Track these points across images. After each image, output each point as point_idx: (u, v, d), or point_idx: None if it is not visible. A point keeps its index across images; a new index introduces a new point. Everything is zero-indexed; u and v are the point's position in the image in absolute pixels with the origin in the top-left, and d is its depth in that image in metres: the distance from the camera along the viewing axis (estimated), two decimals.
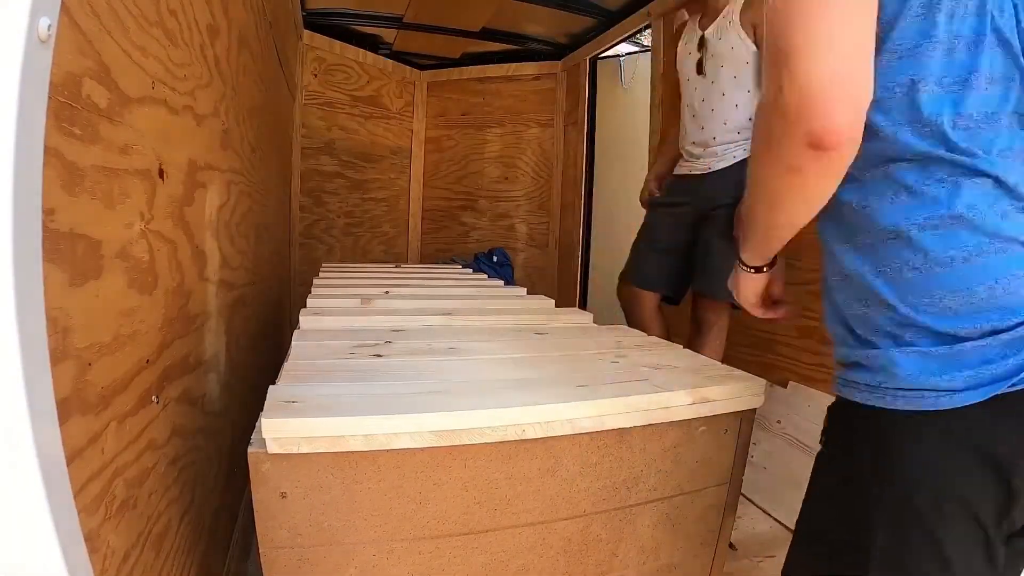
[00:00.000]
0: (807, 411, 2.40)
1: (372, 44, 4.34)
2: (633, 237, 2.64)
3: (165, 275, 1.08)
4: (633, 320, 2.49)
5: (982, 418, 0.77)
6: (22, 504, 0.53)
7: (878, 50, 0.75)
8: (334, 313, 1.72)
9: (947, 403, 0.78)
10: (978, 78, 0.76)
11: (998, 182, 0.76)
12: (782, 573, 0.99)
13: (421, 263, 4.54)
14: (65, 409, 0.63)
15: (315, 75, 4.04)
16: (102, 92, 0.77)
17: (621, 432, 1.11)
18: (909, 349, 0.81)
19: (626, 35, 3.87)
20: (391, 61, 4.47)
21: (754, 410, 1.28)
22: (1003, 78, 0.76)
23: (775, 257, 1.03)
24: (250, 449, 0.90)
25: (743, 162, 2.21)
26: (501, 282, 2.69)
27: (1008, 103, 0.76)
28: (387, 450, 0.94)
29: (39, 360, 0.55)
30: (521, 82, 4.52)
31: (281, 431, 0.89)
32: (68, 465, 0.60)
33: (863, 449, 0.86)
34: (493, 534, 1.06)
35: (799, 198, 0.82)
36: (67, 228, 0.68)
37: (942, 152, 0.77)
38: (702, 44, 2.37)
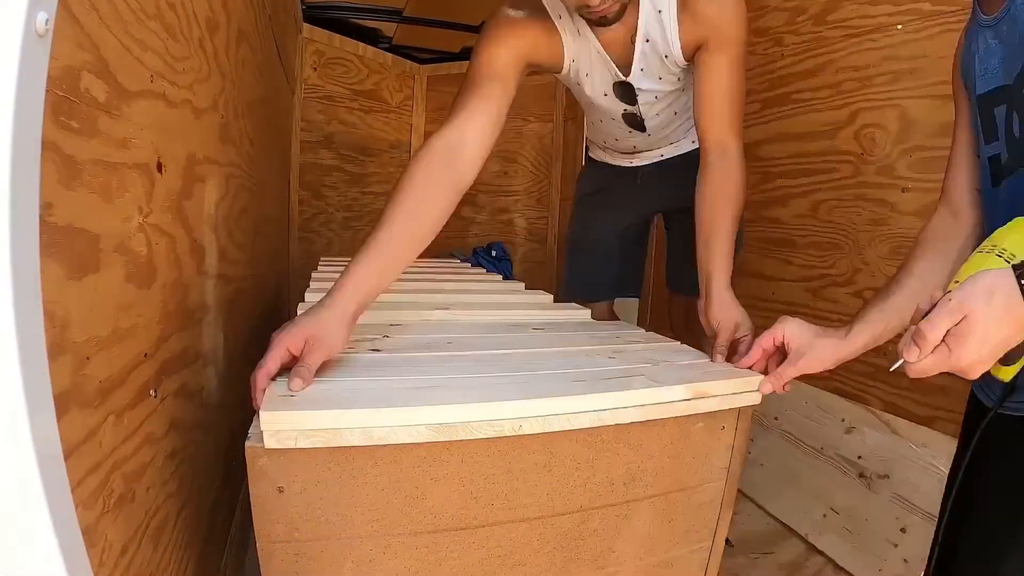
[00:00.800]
0: (804, 408, 2.41)
1: (372, 38, 4.34)
2: None
3: (164, 269, 1.08)
4: None
5: None
6: (20, 499, 0.53)
7: None
8: None
9: None
10: None
11: None
12: None
13: (419, 257, 4.54)
14: (63, 403, 0.63)
15: (314, 69, 4.04)
16: (100, 86, 0.77)
17: (619, 427, 1.11)
18: None
19: None
20: (391, 55, 4.47)
21: (752, 406, 1.28)
22: None
23: None
24: (247, 443, 0.90)
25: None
26: (500, 277, 2.69)
27: None
28: (385, 445, 0.94)
29: (37, 354, 0.55)
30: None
31: (278, 425, 0.88)
32: (66, 460, 0.60)
33: None
34: (490, 529, 1.07)
35: None
36: (65, 222, 0.68)
37: None
38: (627, 93, 1.81)
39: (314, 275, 2.21)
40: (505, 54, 1.51)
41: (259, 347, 2.19)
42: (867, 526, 2.04)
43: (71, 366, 0.70)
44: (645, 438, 1.16)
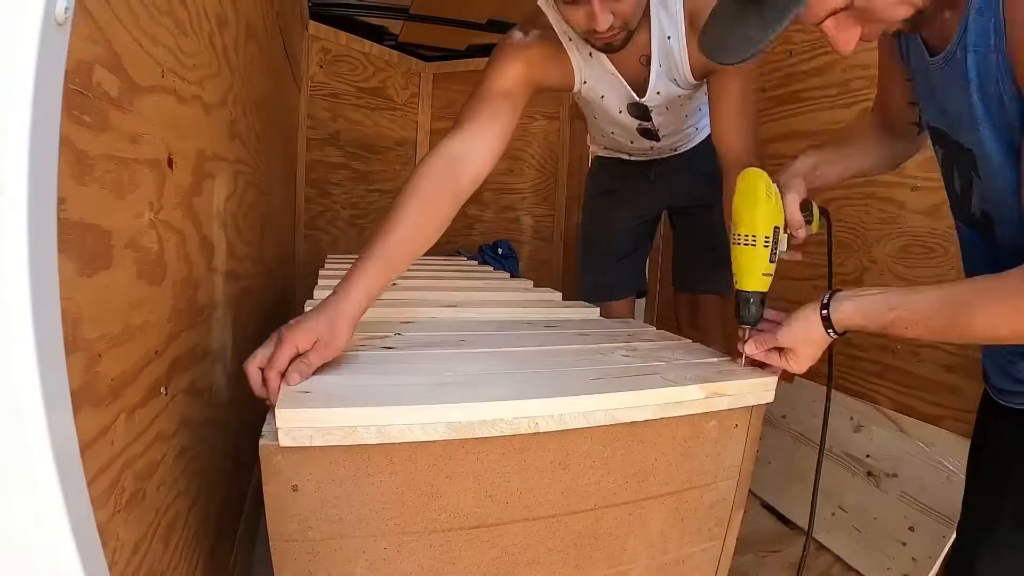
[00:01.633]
0: (813, 407, 2.40)
1: (378, 35, 4.33)
2: None
3: (174, 266, 1.07)
4: None
5: None
6: (37, 499, 0.53)
7: None
8: None
9: None
10: None
11: None
12: None
13: (425, 254, 4.54)
14: (76, 401, 0.62)
15: (321, 66, 4.03)
16: (113, 80, 0.77)
17: (633, 426, 1.10)
18: None
19: None
20: (397, 52, 4.46)
21: (764, 405, 1.27)
22: None
23: None
24: (262, 441, 0.90)
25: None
26: (507, 274, 2.68)
27: None
28: (400, 443, 0.93)
29: (55, 352, 0.54)
30: None
31: (293, 422, 0.88)
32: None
33: None
34: (504, 527, 1.06)
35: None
36: (77, 218, 0.67)
37: None
38: (642, 112, 1.84)
39: (322, 272, 2.20)
40: (514, 75, 1.55)
41: None
42: (875, 524, 2.03)
43: (83, 363, 0.69)
44: (659, 436, 1.15)
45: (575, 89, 1.77)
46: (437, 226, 1.34)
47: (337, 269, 2.41)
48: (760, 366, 1.28)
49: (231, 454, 1.56)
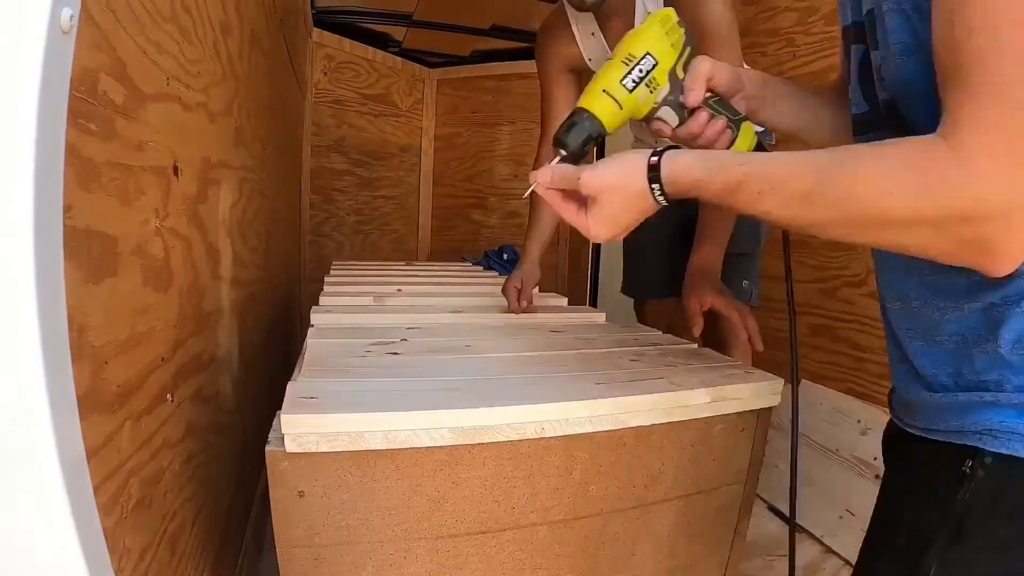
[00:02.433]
0: (819, 409, 2.40)
1: (382, 42, 4.34)
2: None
3: (180, 273, 1.07)
4: None
5: None
6: (44, 506, 0.53)
7: None
8: (347, 311, 1.71)
9: None
10: None
11: None
12: None
13: (431, 261, 4.54)
14: (82, 408, 0.62)
15: (325, 73, 4.03)
16: (118, 88, 0.77)
17: (640, 430, 1.10)
18: None
19: None
20: (400, 59, 4.46)
21: (771, 409, 1.27)
22: None
23: None
24: (268, 447, 0.90)
25: None
26: None
27: None
28: (406, 448, 0.93)
29: (61, 359, 0.54)
30: (531, 79, 4.46)
31: (299, 427, 0.88)
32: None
33: None
34: (511, 533, 1.06)
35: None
36: (83, 225, 0.67)
37: None
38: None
39: (327, 279, 2.21)
40: (551, 66, 1.89)
41: (271, 351, 2.20)
42: None
43: (89, 370, 0.69)
44: (666, 441, 1.15)
45: (584, 63, 1.88)
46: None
47: (342, 275, 2.42)
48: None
49: (237, 460, 1.56)
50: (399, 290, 2.08)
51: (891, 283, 0.84)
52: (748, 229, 1.93)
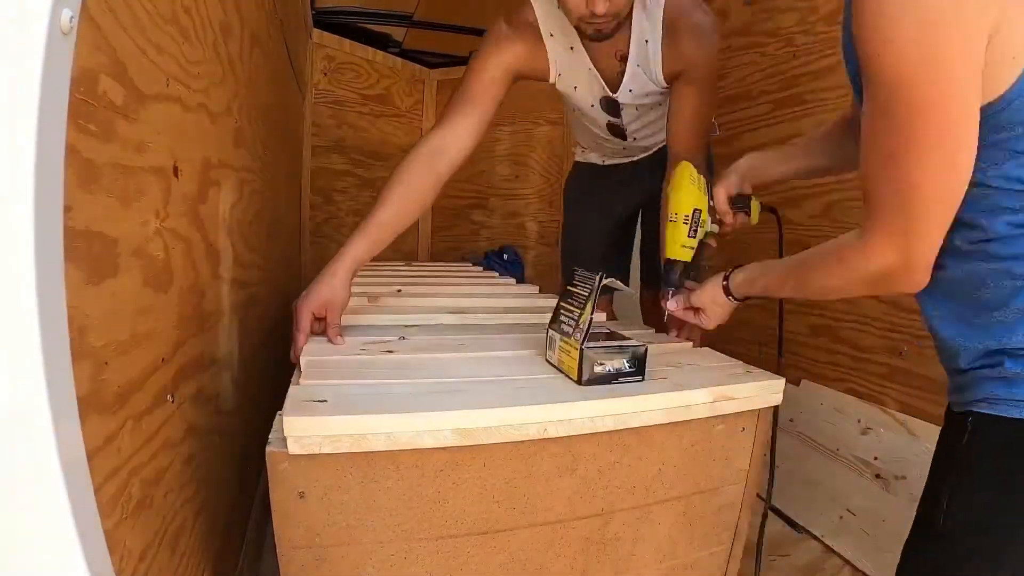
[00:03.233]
0: (820, 409, 2.40)
1: (382, 42, 4.33)
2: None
3: (180, 273, 1.07)
4: None
5: None
6: (44, 507, 0.53)
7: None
8: (347, 311, 1.71)
9: None
10: None
11: None
12: None
13: (431, 261, 4.53)
14: (83, 408, 0.62)
15: (325, 73, 4.03)
16: (118, 89, 0.77)
17: (641, 430, 1.10)
18: None
19: None
20: (400, 59, 4.46)
21: (772, 408, 1.27)
22: None
23: None
24: (268, 448, 0.90)
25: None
26: (513, 280, 2.68)
27: None
28: (407, 449, 0.93)
29: (61, 360, 0.54)
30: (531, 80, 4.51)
31: (302, 430, 0.88)
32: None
33: None
34: (511, 533, 1.06)
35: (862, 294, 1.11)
36: (83, 226, 0.67)
37: None
38: (612, 107, 2.01)
39: None
40: (495, 66, 1.77)
41: (272, 351, 2.20)
42: (884, 527, 2.02)
43: (90, 371, 0.69)
44: (667, 441, 1.15)
45: (551, 80, 1.93)
46: (417, 209, 1.65)
47: None
48: (679, 326, 1.61)
49: (238, 461, 1.56)
50: (399, 291, 2.07)
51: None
52: None
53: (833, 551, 2.15)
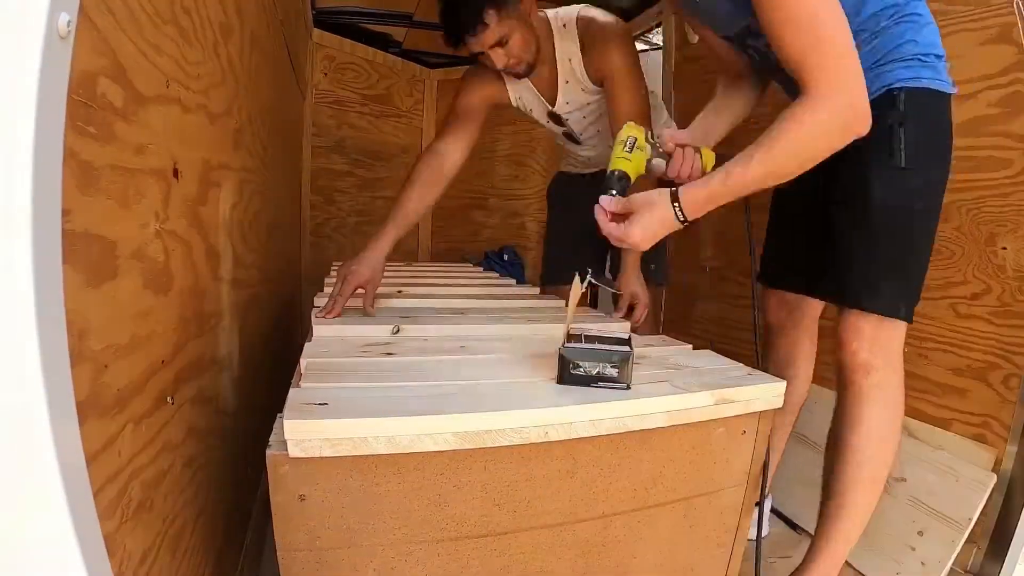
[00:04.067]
0: (817, 410, 2.39)
1: (382, 43, 4.33)
2: None
3: (180, 275, 1.07)
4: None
5: None
6: (43, 510, 0.53)
7: None
8: (347, 313, 1.71)
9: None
10: None
11: None
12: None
13: (432, 262, 4.53)
14: (82, 412, 0.62)
15: (325, 74, 4.03)
16: (117, 91, 0.77)
17: (642, 433, 1.10)
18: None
19: (636, 34, 3.84)
20: (401, 60, 4.45)
21: (772, 411, 1.27)
22: None
23: None
24: (268, 451, 0.89)
25: None
26: (513, 281, 2.69)
27: None
28: (408, 452, 0.93)
29: (60, 364, 0.54)
30: None
31: (302, 433, 0.88)
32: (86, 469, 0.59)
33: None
34: (512, 536, 1.05)
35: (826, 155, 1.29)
36: (82, 229, 0.67)
37: None
38: (557, 119, 2.39)
39: (327, 280, 2.20)
40: (475, 98, 2.21)
41: (272, 352, 2.19)
42: (884, 529, 2.01)
43: (90, 374, 0.69)
44: (668, 443, 1.15)
45: (513, 104, 2.37)
46: (433, 198, 2.05)
47: None
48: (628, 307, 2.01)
49: (239, 463, 1.56)
50: (399, 291, 2.07)
51: None
52: None
53: None
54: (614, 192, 1.43)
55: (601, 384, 1.14)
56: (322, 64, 4.00)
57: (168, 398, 1.00)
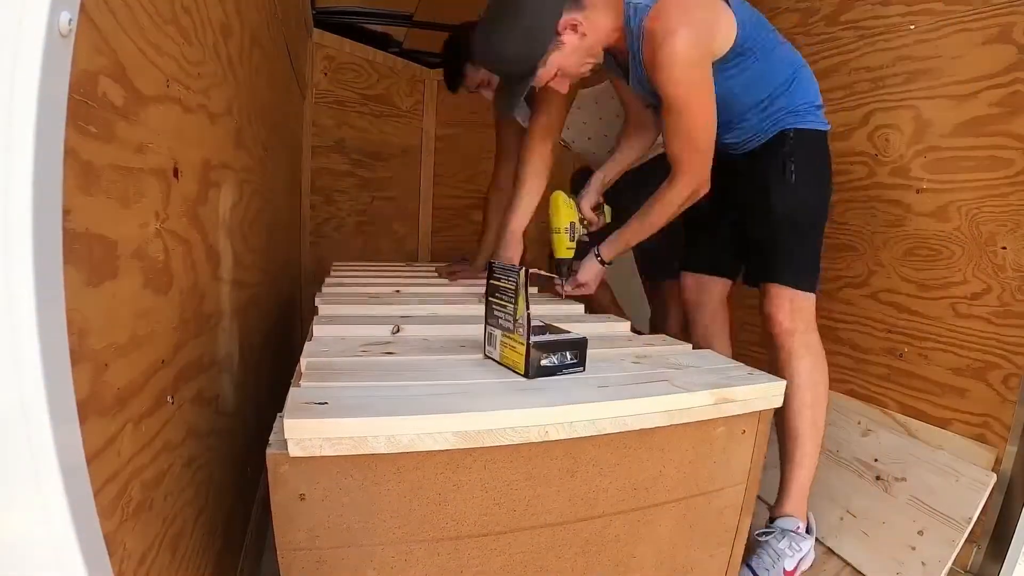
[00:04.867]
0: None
1: (382, 43, 4.32)
2: None
3: (180, 275, 1.07)
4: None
5: None
6: (43, 510, 0.53)
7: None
8: (347, 312, 1.71)
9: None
10: None
11: None
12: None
13: (432, 262, 4.53)
14: (83, 411, 0.62)
15: (325, 74, 4.02)
16: (118, 90, 0.77)
17: (642, 433, 1.10)
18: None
19: None
20: (401, 60, 4.44)
21: (772, 410, 1.27)
22: None
23: None
24: (269, 450, 0.89)
25: None
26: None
27: None
28: (408, 452, 0.93)
29: (60, 363, 0.54)
30: None
31: (302, 432, 0.88)
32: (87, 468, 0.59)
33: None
34: (512, 535, 1.06)
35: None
36: (83, 228, 0.67)
37: None
38: None
39: (327, 280, 2.20)
40: (501, 121, 2.84)
41: (272, 352, 2.19)
42: (884, 529, 2.02)
43: (90, 374, 0.69)
44: (668, 443, 1.15)
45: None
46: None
47: (343, 276, 2.42)
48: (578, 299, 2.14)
49: (238, 463, 1.56)
50: (398, 291, 2.07)
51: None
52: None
53: (833, 552, 2.14)
54: (566, 278, 2.13)
55: (565, 372, 1.20)
56: (322, 64, 4.00)
57: (168, 398, 1.00)
